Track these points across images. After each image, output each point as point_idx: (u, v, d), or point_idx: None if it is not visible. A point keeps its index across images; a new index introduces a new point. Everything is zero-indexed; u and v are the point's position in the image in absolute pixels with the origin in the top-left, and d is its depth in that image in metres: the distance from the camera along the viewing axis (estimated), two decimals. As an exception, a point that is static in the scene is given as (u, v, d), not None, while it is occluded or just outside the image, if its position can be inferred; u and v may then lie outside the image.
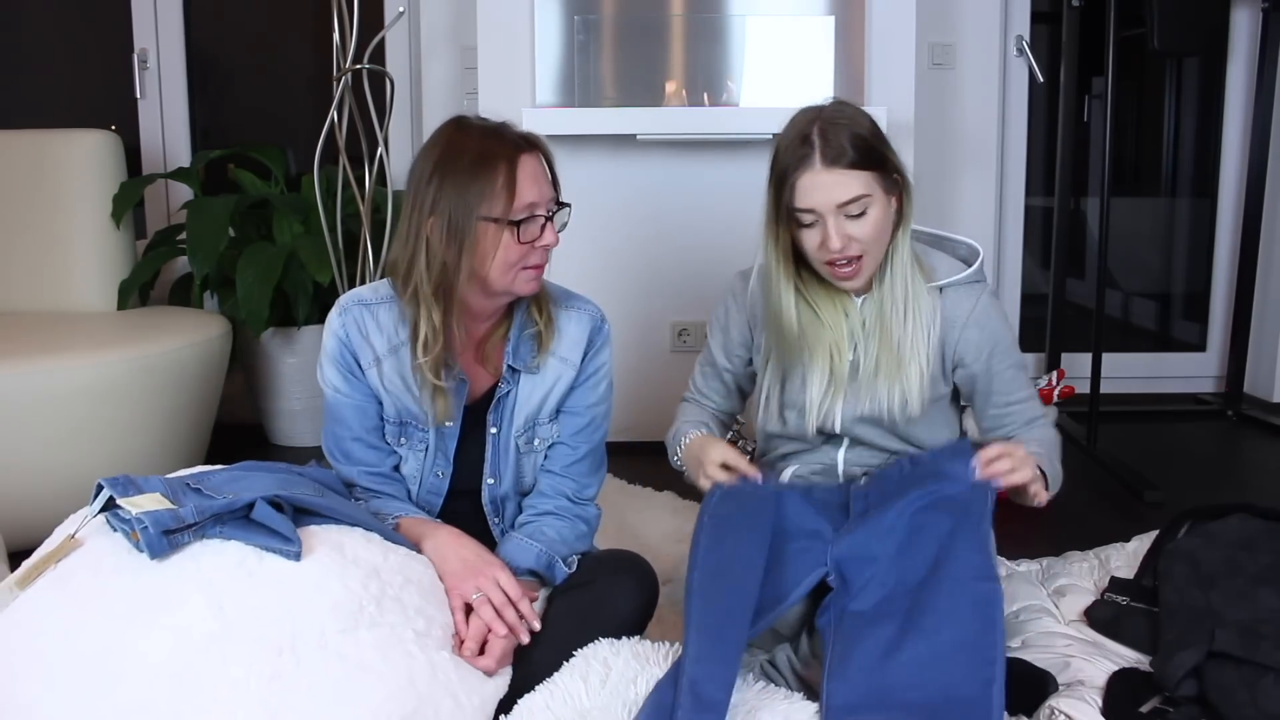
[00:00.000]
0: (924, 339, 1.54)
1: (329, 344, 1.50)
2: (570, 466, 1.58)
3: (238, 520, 1.26)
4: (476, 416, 1.54)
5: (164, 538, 1.21)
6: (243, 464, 1.45)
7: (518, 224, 1.40)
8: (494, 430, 1.54)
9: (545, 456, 1.58)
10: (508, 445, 1.55)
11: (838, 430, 1.60)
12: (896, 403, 1.54)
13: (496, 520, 1.58)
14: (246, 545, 1.24)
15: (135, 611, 1.18)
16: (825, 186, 1.44)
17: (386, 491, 1.52)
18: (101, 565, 1.24)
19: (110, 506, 1.30)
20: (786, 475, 1.65)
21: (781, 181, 1.47)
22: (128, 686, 1.12)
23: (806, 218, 1.47)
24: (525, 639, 1.36)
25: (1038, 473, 1.45)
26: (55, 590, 1.23)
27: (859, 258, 1.48)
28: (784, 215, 1.49)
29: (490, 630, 1.34)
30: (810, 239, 1.48)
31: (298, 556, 1.24)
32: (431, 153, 1.42)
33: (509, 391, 1.53)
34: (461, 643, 1.32)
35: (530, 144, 1.44)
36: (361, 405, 1.51)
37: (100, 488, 1.31)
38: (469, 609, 1.36)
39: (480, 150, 1.40)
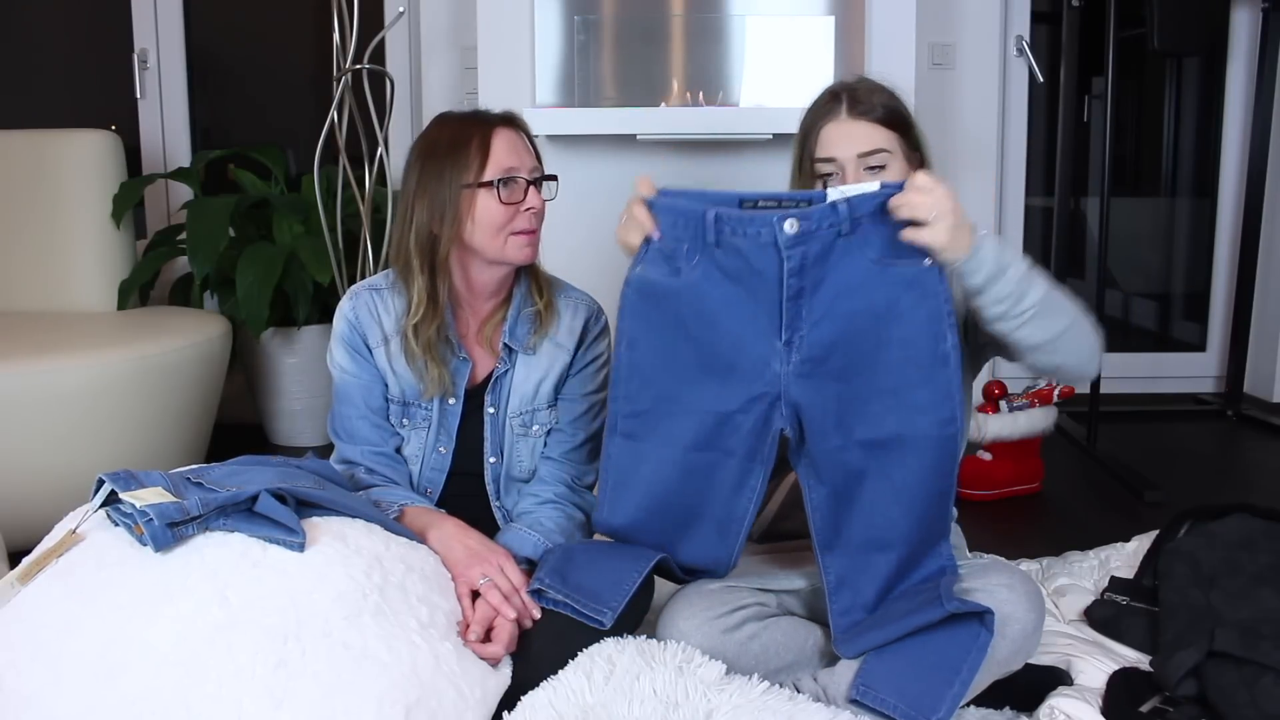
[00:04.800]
0: None
1: (339, 327, 1.57)
2: (569, 453, 1.61)
3: (241, 513, 1.27)
4: (478, 398, 1.58)
5: (169, 530, 1.21)
6: (241, 458, 1.45)
7: (497, 186, 1.46)
8: (491, 410, 1.58)
9: (545, 444, 1.62)
10: (504, 426, 1.58)
11: None
12: None
13: (498, 502, 1.61)
14: (251, 537, 1.25)
15: (139, 602, 1.18)
16: (849, 135, 1.45)
17: (388, 475, 1.55)
18: (104, 558, 1.24)
19: (111, 502, 1.30)
20: (783, 492, 1.62)
21: (806, 135, 1.49)
22: (133, 676, 1.12)
23: (826, 168, 1.47)
24: (529, 624, 1.37)
25: (960, 235, 1.26)
26: (58, 584, 1.23)
27: None
28: (806, 169, 1.49)
29: (498, 614, 1.35)
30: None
31: (301, 548, 1.25)
32: (416, 145, 1.52)
33: (506, 372, 1.57)
34: (467, 627, 1.33)
35: (506, 120, 1.52)
36: (368, 385, 1.56)
37: (101, 482, 1.32)
38: (475, 597, 1.37)
39: (457, 130, 1.50)
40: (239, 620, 1.17)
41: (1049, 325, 1.32)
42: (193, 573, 1.20)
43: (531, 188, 1.49)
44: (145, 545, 1.22)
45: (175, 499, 1.25)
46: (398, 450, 1.59)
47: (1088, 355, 1.37)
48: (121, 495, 1.26)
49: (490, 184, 1.46)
